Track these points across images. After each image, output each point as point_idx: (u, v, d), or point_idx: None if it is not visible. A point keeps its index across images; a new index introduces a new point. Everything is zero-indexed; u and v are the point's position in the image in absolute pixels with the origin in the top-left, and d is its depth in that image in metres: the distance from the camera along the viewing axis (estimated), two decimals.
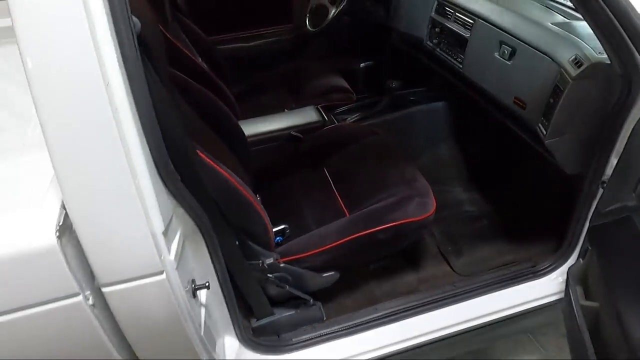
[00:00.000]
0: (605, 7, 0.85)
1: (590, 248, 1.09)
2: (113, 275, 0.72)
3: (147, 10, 0.94)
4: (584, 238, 1.18)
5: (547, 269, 1.31)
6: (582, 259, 1.15)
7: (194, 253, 0.90)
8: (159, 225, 0.73)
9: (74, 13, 0.58)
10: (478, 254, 1.46)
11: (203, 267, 0.94)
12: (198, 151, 0.88)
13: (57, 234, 0.67)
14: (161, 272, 0.75)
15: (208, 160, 0.90)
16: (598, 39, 0.94)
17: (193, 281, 0.89)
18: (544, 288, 1.31)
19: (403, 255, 1.45)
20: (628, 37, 0.88)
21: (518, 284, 1.30)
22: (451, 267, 1.43)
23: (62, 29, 0.59)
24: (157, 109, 0.71)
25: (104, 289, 0.73)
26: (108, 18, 0.62)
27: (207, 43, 1.83)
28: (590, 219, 1.12)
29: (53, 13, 0.58)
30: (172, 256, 0.77)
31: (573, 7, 1.18)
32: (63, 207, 0.70)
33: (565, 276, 1.24)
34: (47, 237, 0.66)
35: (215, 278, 0.97)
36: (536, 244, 1.43)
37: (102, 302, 0.77)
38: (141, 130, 0.68)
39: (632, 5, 0.85)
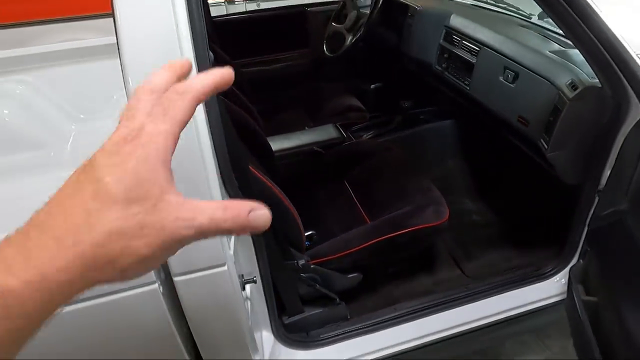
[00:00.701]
0: (594, 38, 0.99)
1: (589, 249, 1.21)
2: (185, 266, 0.85)
3: None
4: (584, 241, 1.30)
5: (551, 272, 1.42)
6: (583, 260, 1.27)
7: (242, 252, 1.03)
8: None
9: (169, 45, 0.73)
10: (487, 259, 1.58)
11: (248, 264, 1.07)
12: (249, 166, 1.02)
13: None
14: (224, 264, 0.87)
15: (256, 172, 1.03)
16: (589, 65, 1.09)
17: (242, 276, 1.01)
18: (548, 289, 1.42)
19: (418, 260, 1.57)
20: (615, 64, 1.02)
21: (524, 286, 1.41)
22: (462, 271, 1.55)
23: (160, 56, 0.73)
24: (223, 127, 0.85)
25: (176, 278, 0.86)
26: (193, 52, 0.76)
27: (233, 66, 1.98)
28: (589, 224, 1.25)
29: (154, 44, 0.73)
30: (231, 250, 0.90)
31: None
32: None
33: (567, 278, 1.36)
34: None
35: (258, 275, 1.09)
36: (540, 249, 1.55)
37: (169, 292, 0.89)
38: (213, 144, 0.82)
39: (616, 36, 0.99)
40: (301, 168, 1.69)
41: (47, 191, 1.00)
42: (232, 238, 0.94)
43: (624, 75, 1.03)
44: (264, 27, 2.27)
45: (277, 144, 1.69)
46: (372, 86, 2.35)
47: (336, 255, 1.28)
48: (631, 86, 1.04)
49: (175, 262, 0.84)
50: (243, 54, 2.21)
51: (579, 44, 1.04)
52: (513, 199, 1.78)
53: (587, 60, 1.08)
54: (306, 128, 1.86)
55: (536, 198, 1.67)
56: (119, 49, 0.73)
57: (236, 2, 3.27)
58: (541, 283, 1.42)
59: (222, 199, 0.85)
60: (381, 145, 1.71)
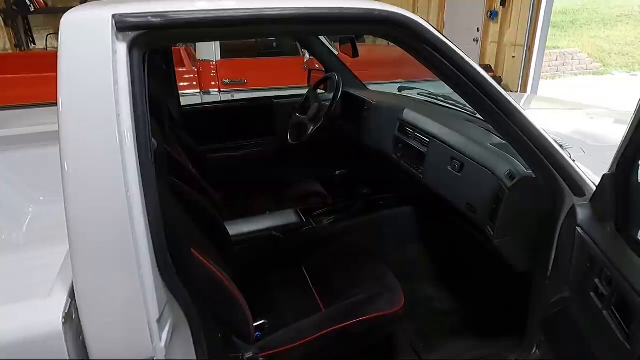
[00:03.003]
0: (521, 133, 1.07)
1: (543, 339, 1.19)
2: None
3: (157, 131, 1.13)
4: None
5: None
6: (539, 351, 1.24)
7: (179, 343, 0.97)
8: (154, 314, 0.82)
9: (108, 131, 0.75)
10: (448, 350, 1.52)
11: (187, 357, 0.99)
12: (192, 249, 1.00)
13: (63, 320, 0.75)
14: (151, 359, 0.82)
15: (200, 257, 1.01)
16: (522, 158, 1.16)
17: None
18: None
19: (377, 352, 1.50)
20: (545, 159, 1.09)
21: None
22: None
23: (97, 144, 0.75)
24: (163, 213, 0.85)
25: None
26: (134, 138, 0.79)
27: (198, 152, 2.04)
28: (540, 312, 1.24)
29: (92, 131, 0.75)
30: (162, 343, 0.84)
31: None
32: (69, 296, 0.79)
33: None
34: (53, 323, 0.75)
35: None
36: (503, 338, 1.50)
37: None
38: (149, 229, 0.81)
39: (540, 131, 1.07)
40: (259, 253, 1.66)
41: (14, 270, 0.93)
42: (166, 328, 0.89)
43: (553, 168, 1.10)
44: (233, 116, 2.38)
45: (236, 228, 1.68)
46: (337, 172, 2.43)
47: (287, 347, 1.21)
48: (561, 177, 1.10)
49: (97, 355, 0.78)
50: (212, 140, 2.29)
51: (509, 138, 1.12)
52: (473, 285, 1.78)
53: (519, 154, 1.15)
54: (267, 212, 1.86)
55: (495, 284, 1.67)
56: (59, 130, 0.75)
57: (211, 93, 3.45)
58: None
59: (155, 286, 0.82)
60: (340, 230, 1.73)
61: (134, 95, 0.80)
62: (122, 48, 0.80)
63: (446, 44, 1.00)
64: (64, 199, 0.75)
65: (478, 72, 1.03)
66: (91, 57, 0.77)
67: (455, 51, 1.01)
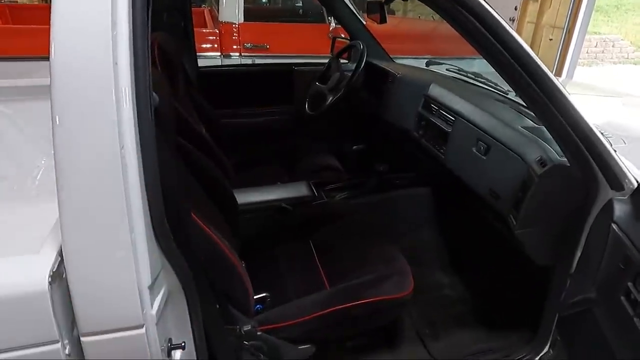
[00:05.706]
0: (561, 118, 0.97)
1: (559, 339, 1.12)
2: (95, 325, 0.75)
3: (165, 87, 1.07)
4: (554, 329, 1.21)
5: None
6: (553, 350, 1.17)
7: (174, 312, 0.93)
8: (146, 280, 0.77)
9: (103, 81, 0.69)
10: (454, 340, 1.47)
11: (181, 327, 0.96)
12: (192, 214, 0.94)
13: (49, 279, 0.71)
14: (141, 326, 0.77)
15: (201, 223, 0.96)
16: (557, 144, 1.06)
17: (170, 340, 0.90)
18: None
19: (381, 334, 1.45)
20: (582, 144, 0.99)
21: None
22: (428, 351, 1.42)
23: (91, 94, 0.68)
24: (162, 173, 0.79)
25: (83, 339, 0.75)
26: (132, 90, 0.72)
27: (213, 116, 1.98)
28: (559, 310, 1.16)
29: (86, 80, 0.68)
30: (154, 311, 0.80)
31: None
32: (59, 254, 0.75)
33: None
34: (39, 282, 0.70)
35: (192, 339, 0.98)
36: (512, 333, 1.44)
37: (76, 354, 0.78)
38: (144, 189, 0.75)
39: (583, 117, 0.97)
40: (267, 224, 1.61)
41: (9, 223, 0.88)
42: (159, 296, 0.84)
43: (591, 156, 1.00)
44: (251, 81, 2.30)
45: (245, 196, 1.63)
46: (354, 147, 2.34)
47: (286, 323, 1.17)
48: (598, 167, 1.00)
49: (84, 318, 0.74)
50: (228, 104, 2.22)
51: (547, 122, 1.01)
52: (487, 275, 1.70)
53: (554, 139, 1.05)
54: (279, 183, 1.80)
55: (511, 276, 1.59)
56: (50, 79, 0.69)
57: (232, 57, 3.35)
58: None
59: (148, 251, 0.77)
60: (352, 207, 1.66)
61: (135, 43, 0.73)
62: None
63: (484, 7, 0.90)
64: (53, 153, 0.70)
65: (517, 42, 0.92)
66: None
67: (493, 16, 0.90)
